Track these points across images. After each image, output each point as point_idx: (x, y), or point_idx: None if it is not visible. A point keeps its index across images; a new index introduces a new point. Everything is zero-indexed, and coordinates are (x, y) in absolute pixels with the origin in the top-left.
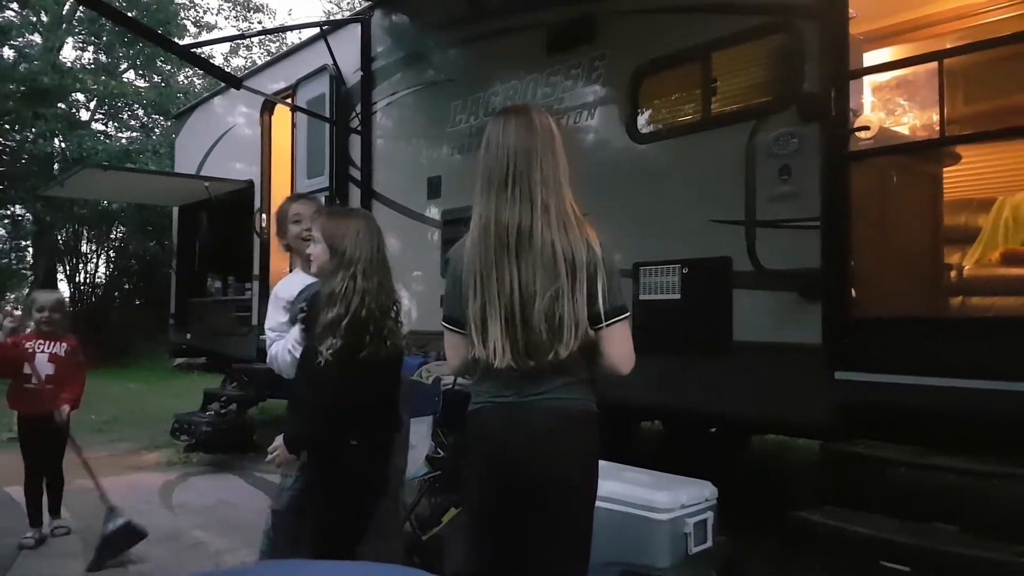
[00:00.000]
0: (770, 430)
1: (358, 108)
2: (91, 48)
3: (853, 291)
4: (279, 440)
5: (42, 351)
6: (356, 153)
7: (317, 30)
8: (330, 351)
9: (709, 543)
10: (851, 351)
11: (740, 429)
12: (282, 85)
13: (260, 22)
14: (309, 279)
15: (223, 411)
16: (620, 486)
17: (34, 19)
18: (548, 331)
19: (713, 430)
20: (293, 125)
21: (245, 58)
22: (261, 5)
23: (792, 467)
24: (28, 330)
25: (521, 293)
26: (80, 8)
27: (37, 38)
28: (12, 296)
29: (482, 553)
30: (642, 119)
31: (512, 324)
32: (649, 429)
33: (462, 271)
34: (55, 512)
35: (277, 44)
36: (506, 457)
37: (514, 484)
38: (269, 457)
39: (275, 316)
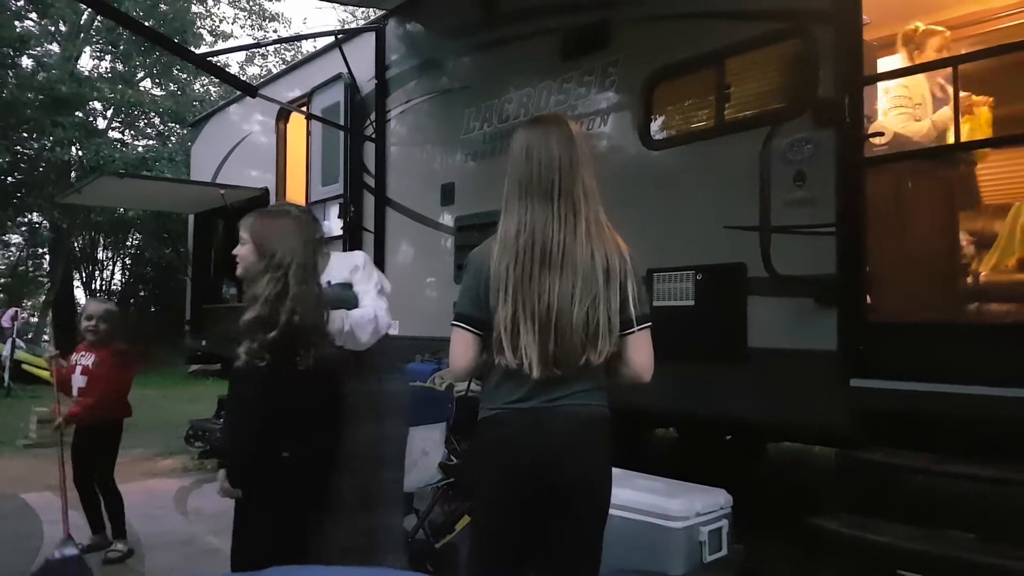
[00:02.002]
0: (786, 437)
1: (372, 116)
2: (108, 57)
3: (868, 297)
4: (221, 474)
5: (80, 363)
6: (370, 160)
7: (332, 39)
8: (247, 355)
9: (724, 551)
10: (867, 357)
11: (755, 436)
12: (297, 93)
13: (275, 31)
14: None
15: None
16: (634, 494)
17: (52, 29)
18: (583, 338)
19: (728, 437)
20: (308, 133)
21: (260, 67)
22: (276, 14)
23: (808, 474)
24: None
25: (559, 302)
26: (98, 18)
27: (55, 47)
28: (28, 303)
29: (503, 560)
30: (655, 125)
31: (546, 332)
32: (664, 436)
33: (488, 274)
34: (119, 533)
35: (292, 53)
36: (533, 462)
37: (541, 490)
38: (217, 491)
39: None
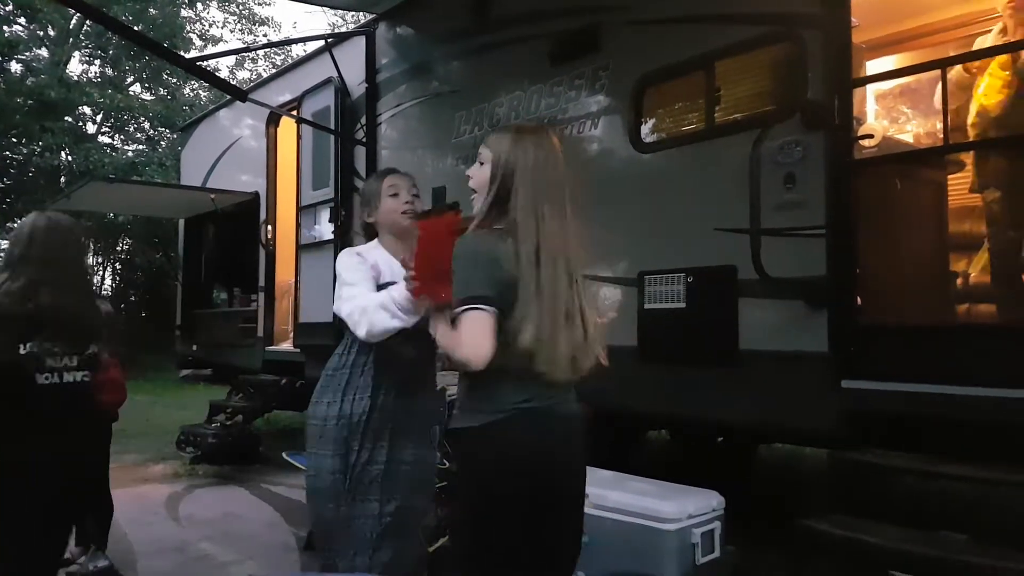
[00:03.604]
0: (778, 439)
1: (363, 120)
2: (98, 62)
3: (859, 299)
4: None
5: None
6: (361, 164)
7: (322, 43)
8: None
9: (717, 553)
10: (858, 359)
11: (747, 438)
12: (287, 97)
13: (265, 35)
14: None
15: (229, 423)
16: (626, 496)
17: (41, 33)
18: (596, 340)
19: (720, 439)
20: (298, 137)
21: (251, 71)
22: (266, 18)
23: (800, 476)
24: None
25: (583, 305)
26: (87, 22)
27: (44, 52)
28: None
29: (512, 567)
30: (646, 128)
31: (573, 336)
32: (656, 438)
33: (502, 262)
34: (102, 545)
35: (282, 57)
36: (545, 465)
37: (551, 492)
38: None
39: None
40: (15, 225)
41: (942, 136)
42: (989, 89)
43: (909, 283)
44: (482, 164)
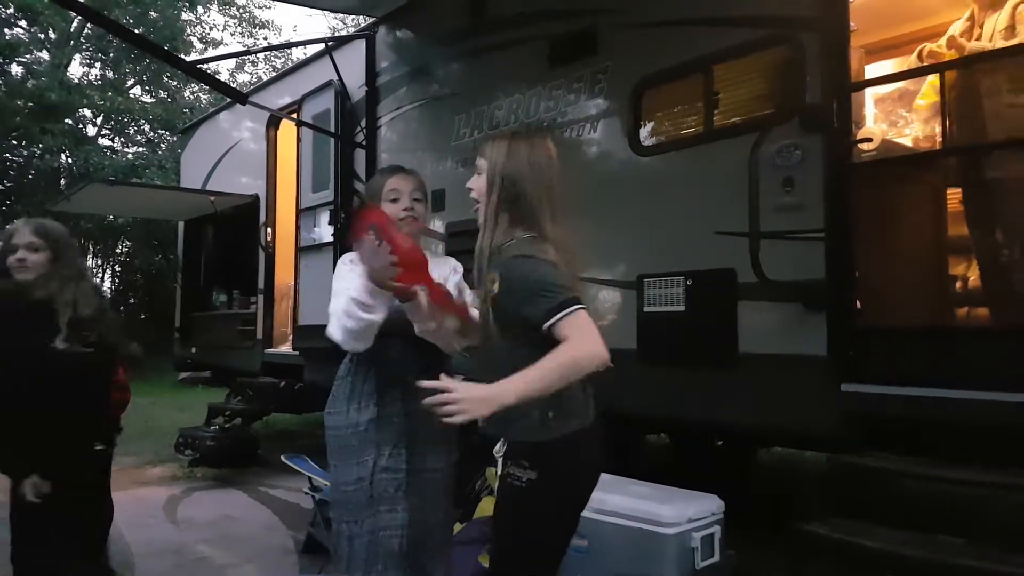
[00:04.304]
0: (777, 442)
1: (363, 123)
2: (98, 64)
3: (858, 302)
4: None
5: None
6: (361, 167)
7: (322, 46)
8: None
9: (716, 557)
10: (857, 362)
11: (747, 441)
12: (287, 100)
13: (266, 38)
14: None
15: (227, 425)
16: (626, 500)
17: (42, 36)
18: None
19: (720, 442)
20: (298, 140)
21: (251, 74)
22: (267, 22)
23: (799, 479)
24: None
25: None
26: (88, 25)
27: (45, 55)
28: None
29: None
30: (645, 131)
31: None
32: (655, 442)
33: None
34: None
35: (282, 60)
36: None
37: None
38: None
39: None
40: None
41: (940, 139)
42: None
43: (908, 286)
44: (479, 174)
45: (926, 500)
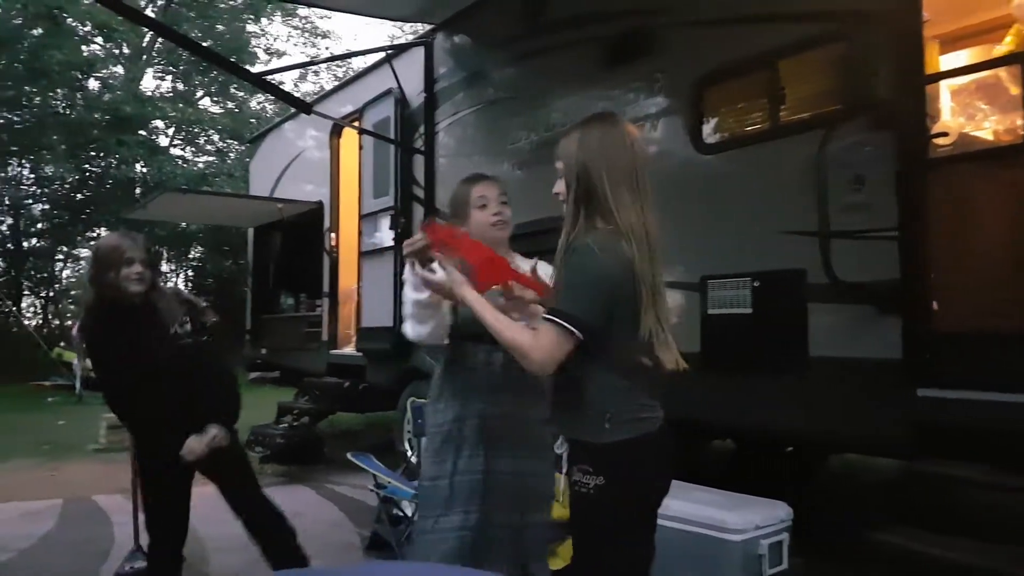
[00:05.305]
0: (848, 449)
1: (421, 129)
2: (169, 77)
3: (935, 304)
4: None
5: None
6: (420, 172)
7: (382, 55)
8: None
9: (784, 565)
10: (934, 367)
11: (817, 448)
12: (349, 109)
13: (327, 48)
14: None
15: (296, 423)
16: (691, 506)
17: (117, 52)
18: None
19: (789, 449)
20: (360, 147)
21: (314, 83)
22: (328, 32)
23: (870, 487)
24: None
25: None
26: (159, 40)
27: (120, 69)
28: None
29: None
30: (707, 129)
31: (668, 331)
32: (721, 448)
33: (621, 277)
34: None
35: (344, 69)
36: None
37: None
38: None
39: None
40: (95, 235)
41: (1023, 132)
42: None
43: (988, 287)
44: (560, 177)
45: (1002, 510)
